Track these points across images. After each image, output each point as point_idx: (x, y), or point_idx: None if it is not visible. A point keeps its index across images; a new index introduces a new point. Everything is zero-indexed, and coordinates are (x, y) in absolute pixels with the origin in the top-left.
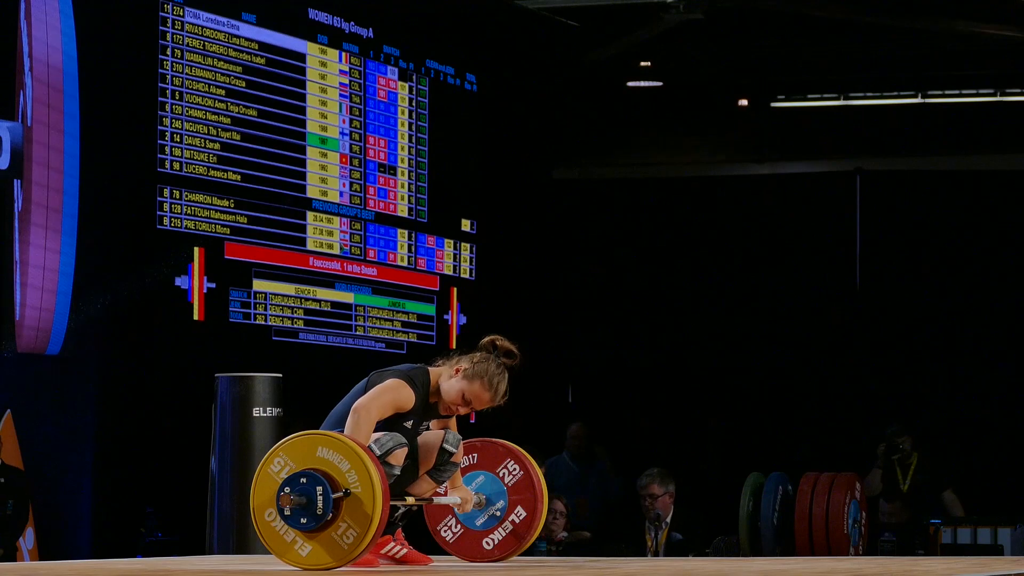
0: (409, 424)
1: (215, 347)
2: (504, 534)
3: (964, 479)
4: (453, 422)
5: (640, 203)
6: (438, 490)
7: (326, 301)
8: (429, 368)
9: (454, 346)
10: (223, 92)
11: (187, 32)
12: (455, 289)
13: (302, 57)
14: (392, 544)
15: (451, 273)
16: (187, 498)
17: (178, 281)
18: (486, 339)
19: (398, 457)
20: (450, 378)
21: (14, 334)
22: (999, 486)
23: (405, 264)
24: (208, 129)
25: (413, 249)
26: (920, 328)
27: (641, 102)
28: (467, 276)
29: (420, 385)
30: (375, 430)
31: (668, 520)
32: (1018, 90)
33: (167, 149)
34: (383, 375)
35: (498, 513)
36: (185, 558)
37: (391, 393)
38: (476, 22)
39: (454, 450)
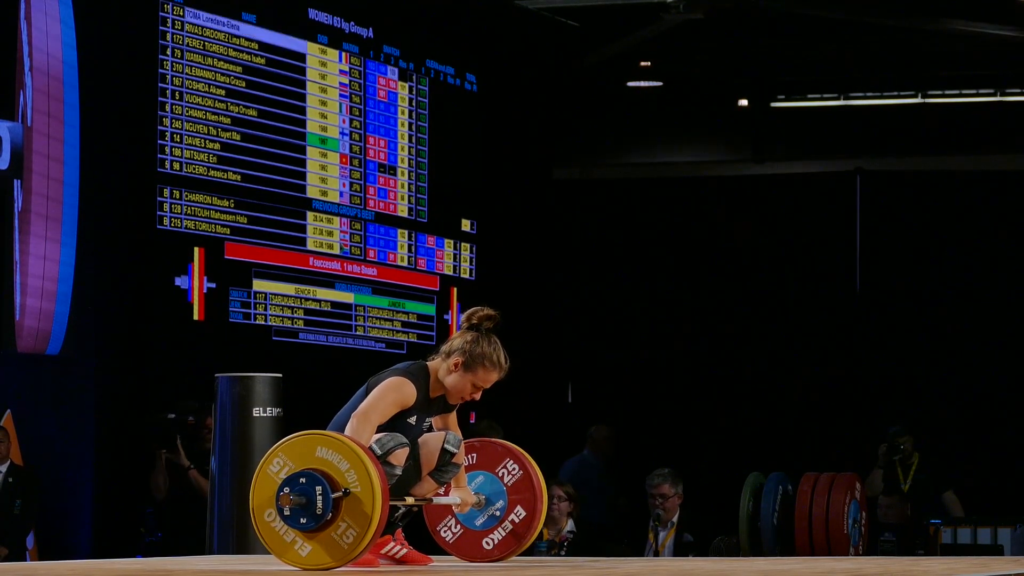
0: (412, 420)
1: (215, 347)
2: (504, 534)
3: (964, 479)
4: (454, 420)
5: (640, 203)
6: (438, 490)
7: (326, 301)
8: (426, 363)
9: None
10: (223, 92)
11: (187, 32)
12: (455, 289)
13: (302, 57)
14: (392, 544)
15: (451, 273)
16: (187, 498)
17: (178, 281)
18: (464, 320)
19: (399, 457)
20: (450, 373)
21: (14, 334)
22: (999, 486)
23: (405, 264)
24: (208, 129)
25: (413, 249)
26: (920, 328)
27: (641, 102)
28: (467, 276)
29: (420, 379)
30: (380, 431)
31: (675, 520)
32: (1018, 90)
33: (167, 149)
34: (381, 376)
35: (497, 513)
36: (185, 558)
37: (392, 393)
38: (476, 22)
39: (455, 450)
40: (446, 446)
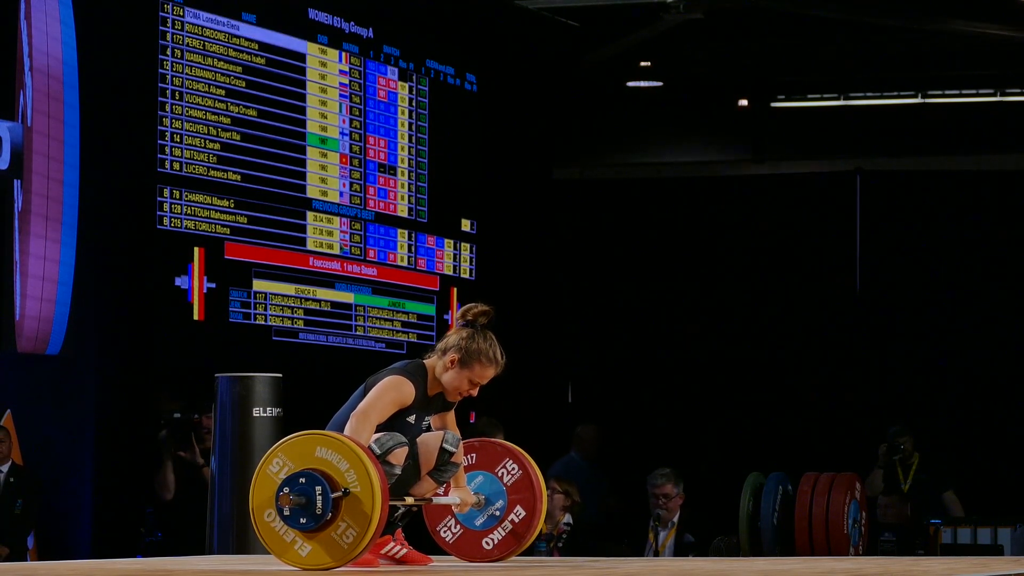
0: (412, 419)
1: (215, 347)
2: (503, 534)
3: (964, 479)
4: (452, 420)
5: (640, 203)
6: (438, 490)
7: (326, 301)
8: (423, 362)
9: None
10: (223, 92)
11: (187, 32)
12: (455, 289)
13: (302, 57)
14: (392, 544)
15: (451, 273)
16: (198, 497)
17: (178, 281)
18: (459, 316)
19: (398, 456)
20: (446, 370)
21: (14, 334)
22: (999, 486)
23: (405, 264)
24: (208, 129)
25: (413, 249)
26: (920, 328)
27: (641, 102)
28: (467, 276)
29: (418, 378)
30: (379, 430)
31: (675, 521)
32: (1018, 90)
33: (167, 149)
34: (379, 376)
35: (497, 513)
36: (185, 558)
37: (391, 392)
38: (476, 22)
39: (454, 450)
40: (444, 445)
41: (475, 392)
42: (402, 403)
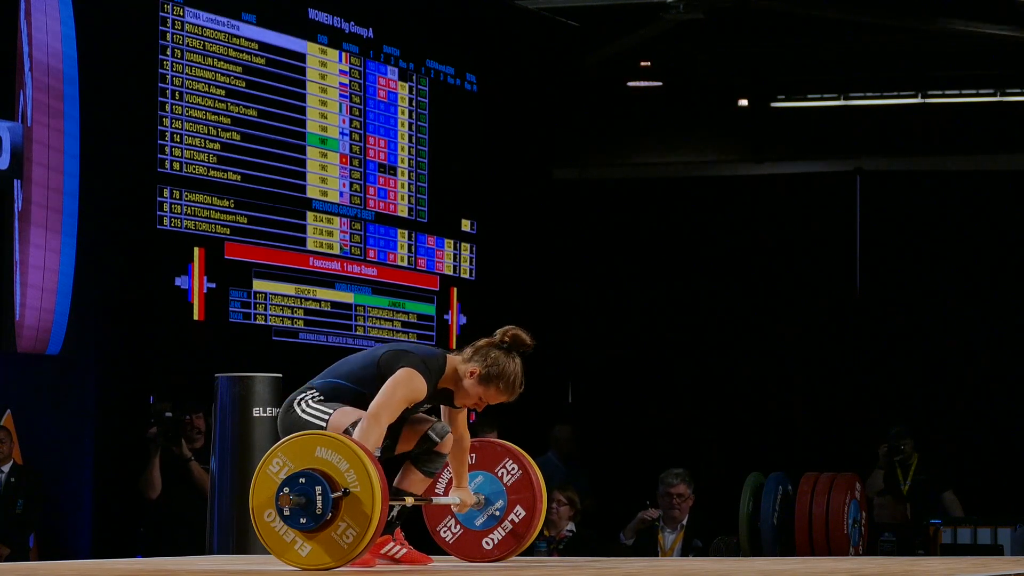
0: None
1: (215, 347)
2: (503, 534)
3: (964, 480)
4: (463, 421)
5: (640, 203)
6: (437, 490)
7: (326, 301)
8: (448, 355)
9: (454, 346)
10: (223, 92)
11: (187, 32)
12: (455, 289)
13: (302, 57)
14: (391, 544)
15: (451, 273)
16: (171, 498)
17: (178, 281)
18: (499, 333)
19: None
20: (464, 377)
21: (14, 334)
22: (999, 486)
23: (405, 264)
24: (208, 129)
25: (413, 249)
26: (920, 328)
27: (641, 102)
28: (467, 276)
29: (434, 373)
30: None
31: (684, 523)
32: (1018, 90)
33: (167, 149)
34: (398, 359)
35: (497, 513)
36: (185, 558)
37: (403, 390)
38: (476, 22)
39: (438, 440)
40: (429, 432)
41: (480, 408)
42: (413, 400)
